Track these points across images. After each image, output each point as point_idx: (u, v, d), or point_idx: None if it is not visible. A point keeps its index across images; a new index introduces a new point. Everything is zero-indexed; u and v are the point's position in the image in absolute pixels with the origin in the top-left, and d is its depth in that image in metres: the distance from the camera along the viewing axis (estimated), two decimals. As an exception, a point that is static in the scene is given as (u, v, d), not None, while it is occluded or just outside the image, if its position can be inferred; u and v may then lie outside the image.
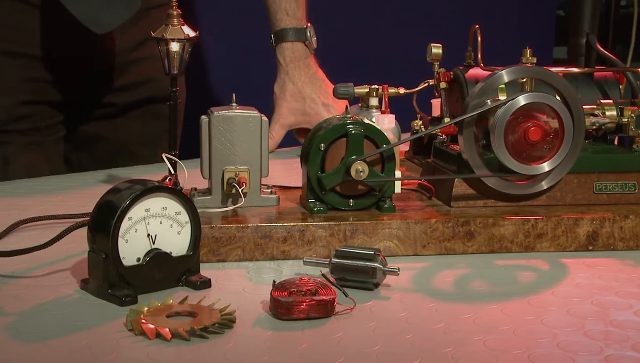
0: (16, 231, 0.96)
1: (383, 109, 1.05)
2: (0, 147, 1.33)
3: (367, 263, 0.79)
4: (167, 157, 0.93)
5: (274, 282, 0.74)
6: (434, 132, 1.02)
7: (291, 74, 1.43)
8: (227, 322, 0.69)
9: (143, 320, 0.68)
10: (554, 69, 0.97)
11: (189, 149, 1.12)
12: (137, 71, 1.42)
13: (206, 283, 0.79)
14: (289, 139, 1.48)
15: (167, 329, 0.67)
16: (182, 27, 0.95)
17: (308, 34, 1.43)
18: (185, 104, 1.48)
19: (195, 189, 0.95)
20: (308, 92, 1.43)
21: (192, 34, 0.96)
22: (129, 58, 1.41)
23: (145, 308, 0.71)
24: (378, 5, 2.29)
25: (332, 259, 0.80)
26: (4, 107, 1.33)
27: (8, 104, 1.33)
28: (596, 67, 1.13)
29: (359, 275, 0.79)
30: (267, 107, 1.37)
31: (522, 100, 0.91)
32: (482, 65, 1.03)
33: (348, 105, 0.97)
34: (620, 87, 1.07)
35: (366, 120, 0.92)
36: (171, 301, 0.74)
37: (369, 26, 2.28)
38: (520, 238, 0.91)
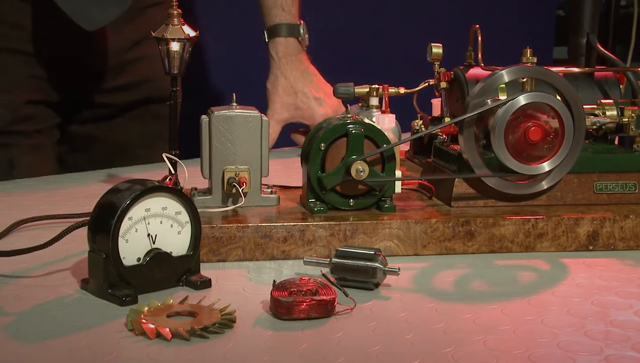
0: (16, 231, 0.96)
1: (383, 108, 1.05)
2: (4, 149, 1.33)
3: (368, 263, 0.79)
4: (167, 157, 0.93)
5: (274, 282, 0.74)
6: (434, 131, 1.02)
7: (283, 68, 1.43)
8: (227, 322, 0.69)
9: (143, 320, 0.68)
10: (554, 69, 0.97)
11: (189, 149, 1.12)
12: (135, 71, 1.42)
13: (206, 283, 0.79)
14: (289, 137, 1.48)
15: (168, 329, 0.67)
16: (183, 26, 0.95)
17: (301, 30, 1.44)
18: (186, 104, 1.48)
19: (196, 189, 0.95)
20: (300, 87, 1.43)
21: (192, 33, 0.96)
22: (126, 58, 1.41)
23: (146, 308, 0.71)
24: (378, 5, 2.29)
25: (333, 259, 0.79)
26: (7, 105, 1.32)
27: (11, 102, 1.33)
28: (596, 67, 1.13)
29: (359, 275, 0.79)
30: (267, 107, 1.37)
31: (522, 100, 0.91)
32: (482, 65, 1.03)
33: (348, 105, 0.97)
34: (621, 86, 1.07)
35: (366, 120, 0.92)
36: (171, 301, 0.73)
37: (369, 26, 2.28)
38: (521, 238, 0.91)
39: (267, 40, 1.45)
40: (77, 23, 1.26)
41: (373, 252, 0.79)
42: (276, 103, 1.43)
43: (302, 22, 1.45)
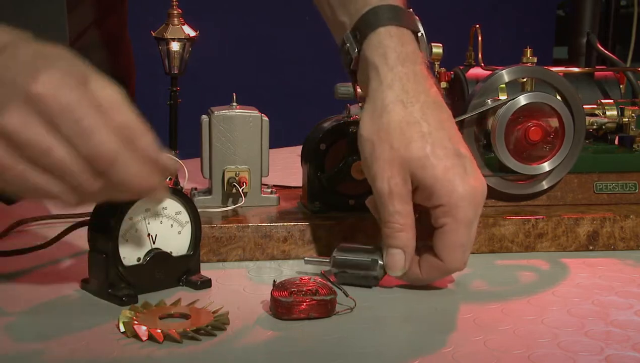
0: (16, 231, 0.96)
1: (383, 108, 1.04)
2: None
3: (369, 256, 0.79)
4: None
5: (274, 281, 0.74)
6: (434, 132, 1.02)
7: (399, 86, 0.77)
8: (220, 325, 0.69)
9: (135, 322, 0.68)
10: (554, 69, 0.97)
11: (189, 149, 1.12)
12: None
13: (206, 283, 0.79)
14: (289, 138, 1.47)
15: (159, 331, 0.67)
16: (183, 26, 0.95)
17: (419, 25, 0.83)
18: (186, 104, 1.47)
19: (196, 189, 0.95)
20: (431, 128, 0.76)
21: (192, 33, 0.96)
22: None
23: (139, 310, 0.71)
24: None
25: (334, 254, 0.79)
26: None
27: None
28: (596, 67, 1.13)
29: (359, 269, 0.79)
30: (268, 107, 1.31)
31: (522, 100, 0.92)
32: (482, 65, 1.03)
33: (348, 105, 0.97)
34: (621, 86, 1.07)
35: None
36: (165, 303, 0.73)
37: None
38: (521, 238, 0.91)
39: (352, 50, 0.81)
40: None
41: (373, 247, 0.79)
42: (384, 154, 0.76)
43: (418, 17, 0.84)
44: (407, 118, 0.76)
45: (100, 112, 0.63)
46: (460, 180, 0.75)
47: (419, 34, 0.82)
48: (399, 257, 0.77)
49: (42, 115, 0.62)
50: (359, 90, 0.84)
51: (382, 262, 0.79)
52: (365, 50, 0.80)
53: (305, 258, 0.82)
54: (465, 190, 0.75)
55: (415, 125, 0.76)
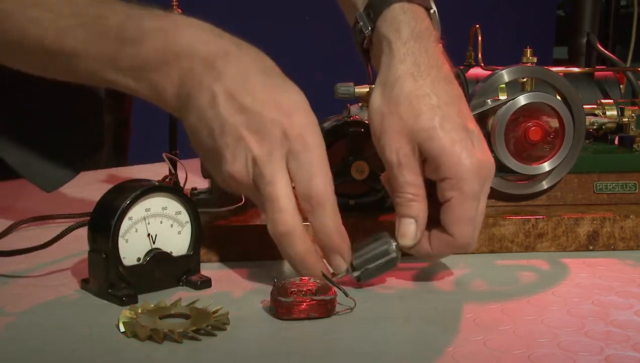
0: (16, 231, 0.96)
1: (383, 108, 1.04)
2: None
3: (381, 243, 0.78)
4: (167, 157, 0.93)
5: (274, 281, 0.74)
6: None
7: (411, 60, 0.78)
8: (219, 325, 0.69)
9: (135, 322, 0.68)
10: (554, 69, 0.97)
11: (189, 149, 1.12)
12: None
13: (206, 283, 0.79)
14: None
15: (159, 330, 0.67)
16: (183, 26, 0.95)
17: (431, 2, 0.83)
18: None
19: (196, 189, 0.95)
20: (441, 101, 0.76)
21: (192, 33, 0.95)
22: None
23: (139, 310, 0.71)
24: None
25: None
26: None
27: None
28: (596, 67, 1.13)
29: (379, 258, 0.77)
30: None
31: (522, 100, 0.92)
32: (482, 65, 1.03)
33: (348, 105, 0.97)
34: (621, 86, 1.07)
35: (366, 120, 0.92)
36: (165, 303, 0.73)
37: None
38: (521, 238, 0.91)
39: (365, 28, 0.83)
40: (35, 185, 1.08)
41: (375, 236, 0.79)
42: (393, 125, 0.77)
43: None
44: (417, 91, 0.77)
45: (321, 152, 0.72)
46: (467, 153, 0.75)
47: (432, 11, 0.83)
48: (411, 226, 0.77)
49: (284, 149, 0.71)
50: (369, 89, 0.88)
51: (395, 243, 0.78)
52: (380, 27, 0.81)
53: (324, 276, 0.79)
54: (472, 163, 0.75)
55: (425, 97, 0.76)
